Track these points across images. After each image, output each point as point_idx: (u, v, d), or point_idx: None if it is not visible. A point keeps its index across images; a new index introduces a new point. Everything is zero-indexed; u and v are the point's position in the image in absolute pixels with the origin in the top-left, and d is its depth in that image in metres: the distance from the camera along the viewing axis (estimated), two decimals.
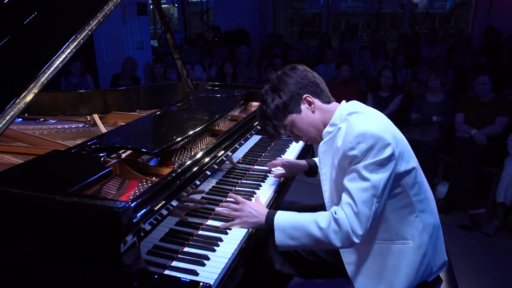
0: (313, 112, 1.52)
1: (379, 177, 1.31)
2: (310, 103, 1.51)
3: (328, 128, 1.50)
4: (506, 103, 3.66)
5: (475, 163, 3.45)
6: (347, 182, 1.36)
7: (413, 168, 1.42)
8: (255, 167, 2.13)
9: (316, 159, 1.97)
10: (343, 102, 1.54)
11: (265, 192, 1.86)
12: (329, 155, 1.49)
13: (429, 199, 1.49)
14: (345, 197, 1.37)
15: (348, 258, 1.52)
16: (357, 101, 1.55)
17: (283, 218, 1.46)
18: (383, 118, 1.45)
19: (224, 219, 1.61)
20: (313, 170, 1.98)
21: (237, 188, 1.88)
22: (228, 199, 1.71)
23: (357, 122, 1.38)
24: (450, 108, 3.99)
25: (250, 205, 1.56)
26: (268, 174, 2.03)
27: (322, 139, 1.54)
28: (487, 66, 4.90)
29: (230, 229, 1.53)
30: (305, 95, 1.51)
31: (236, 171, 2.03)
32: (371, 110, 1.49)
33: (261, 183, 1.93)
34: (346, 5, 10.54)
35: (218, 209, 1.62)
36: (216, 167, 1.73)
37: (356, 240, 1.33)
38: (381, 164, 1.32)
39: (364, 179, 1.32)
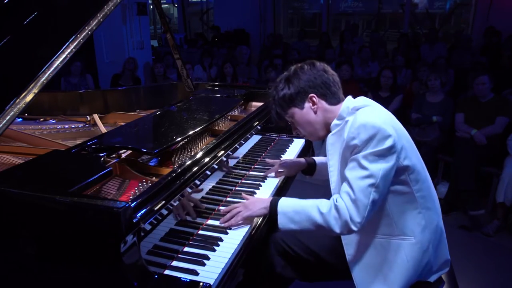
0: (315, 112, 1.55)
1: (378, 167, 1.33)
2: (314, 103, 1.54)
3: (336, 121, 1.54)
4: (506, 103, 3.66)
5: (475, 163, 3.45)
6: (347, 171, 1.39)
7: (416, 164, 1.43)
8: (255, 167, 2.13)
9: (315, 158, 2.01)
10: (349, 97, 1.58)
11: (265, 192, 1.86)
12: (337, 146, 1.52)
13: (433, 198, 1.51)
14: (344, 185, 1.39)
15: (350, 249, 1.54)
16: None
17: (286, 203, 1.51)
18: (387, 113, 1.49)
19: None
20: (310, 168, 1.99)
21: (237, 188, 1.88)
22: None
23: (361, 114, 1.42)
24: (450, 108, 3.99)
25: (252, 198, 1.64)
26: (268, 174, 2.03)
27: (317, 138, 1.60)
28: (487, 66, 4.90)
29: (230, 228, 1.53)
30: (311, 95, 1.54)
31: (236, 171, 2.03)
32: (376, 105, 1.53)
33: (261, 183, 1.93)
34: (346, 5, 10.53)
35: (222, 208, 1.64)
36: (216, 167, 1.73)
37: (354, 228, 1.35)
38: (381, 155, 1.34)
39: (363, 168, 1.34)
